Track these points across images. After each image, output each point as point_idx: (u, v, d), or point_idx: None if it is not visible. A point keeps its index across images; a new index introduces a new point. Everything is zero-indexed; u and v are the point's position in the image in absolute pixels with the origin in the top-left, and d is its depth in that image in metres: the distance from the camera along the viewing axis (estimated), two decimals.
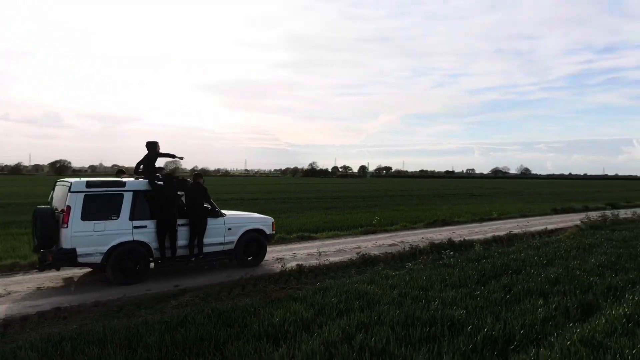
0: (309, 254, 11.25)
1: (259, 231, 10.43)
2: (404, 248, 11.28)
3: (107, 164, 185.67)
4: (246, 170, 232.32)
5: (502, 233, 14.42)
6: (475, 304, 6.54)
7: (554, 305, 6.48)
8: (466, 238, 13.18)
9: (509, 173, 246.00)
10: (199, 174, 10.38)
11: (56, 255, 8.09)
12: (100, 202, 8.43)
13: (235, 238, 9.97)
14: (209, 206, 9.64)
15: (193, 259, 9.48)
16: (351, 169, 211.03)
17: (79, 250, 8.07)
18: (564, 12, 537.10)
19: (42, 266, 8.49)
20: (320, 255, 10.29)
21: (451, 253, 10.37)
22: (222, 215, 9.92)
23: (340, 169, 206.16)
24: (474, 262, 9.48)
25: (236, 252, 10.02)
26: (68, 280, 9.03)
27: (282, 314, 6.03)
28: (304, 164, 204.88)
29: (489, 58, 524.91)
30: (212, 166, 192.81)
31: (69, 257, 8.08)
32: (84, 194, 8.25)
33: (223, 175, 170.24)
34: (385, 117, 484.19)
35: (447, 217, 18.82)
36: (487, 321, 5.81)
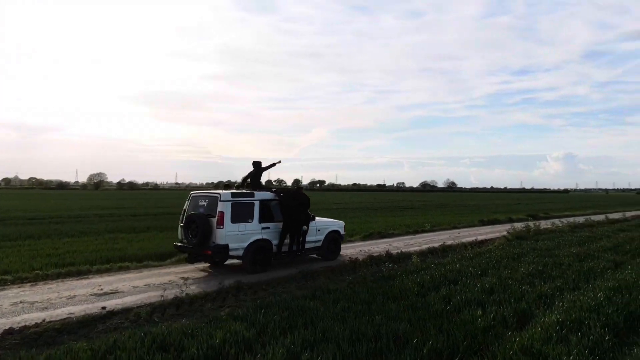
0: None
1: (337, 232, 13.00)
2: (344, 261, 11.24)
3: (24, 176, 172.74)
4: (177, 183, 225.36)
5: (436, 245, 14.79)
6: (418, 316, 6.55)
7: (492, 315, 6.64)
8: (403, 250, 13.37)
9: (436, 186, 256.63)
10: (301, 186, 12.42)
11: (214, 250, 10.10)
12: (241, 209, 10.54)
13: (322, 237, 12.42)
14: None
15: (299, 253, 11.67)
16: (285, 182, 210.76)
17: (231, 246, 10.19)
18: (484, 36, 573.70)
19: (192, 259, 10.94)
20: None
21: (390, 265, 10.45)
22: (314, 219, 12.14)
23: (274, 182, 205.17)
24: (412, 273, 9.59)
25: (322, 248, 12.43)
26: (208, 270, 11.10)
27: (221, 335, 5.69)
28: (237, 177, 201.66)
29: (416, 76, 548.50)
30: (139, 179, 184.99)
31: (224, 251, 10.15)
32: (231, 202, 10.36)
33: (152, 189, 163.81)
34: (318, 131, 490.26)
35: (383, 230, 19.08)
36: (431, 333, 5.81)
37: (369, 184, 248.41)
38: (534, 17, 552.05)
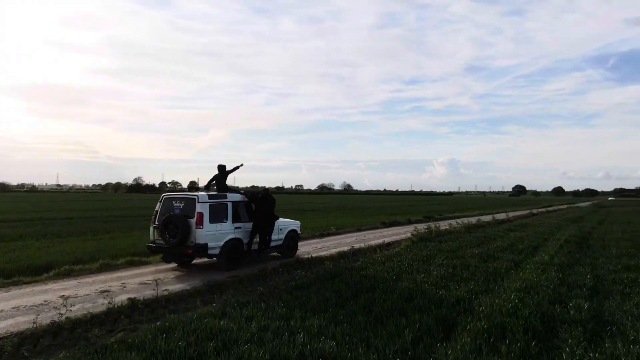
0: (142, 283, 9.63)
1: (294, 231, 13.90)
2: (252, 270, 10.38)
3: None
4: (58, 185, 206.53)
5: (345, 248, 14.49)
6: (342, 332, 5.96)
7: (417, 325, 6.26)
8: (313, 255, 12.88)
9: (333, 189, 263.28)
10: (267, 190, 13.67)
11: (195, 249, 10.53)
12: (217, 210, 11.04)
13: (283, 236, 13.20)
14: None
15: (266, 250, 12.33)
16: (180, 185, 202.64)
17: (209, 245, 10.64)
18: (378, 46, 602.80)
19: (169, 258, 11.56)
20: (158, 284, 8.72)
21: (302, 272, 9.83)
22: (278, 219, 12.75)
23: (168, 184, 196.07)
24: (327, 281, 9.04)
25: (283, 246, 13.23)
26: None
27: None
28: (127, 179, 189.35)
29: (314, 81, 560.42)
30: (13, 180, 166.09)
31: (204, 250, 10.59)
32: (208, 203, 10.84)
33: (29, 191, 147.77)
34: (216, 132, 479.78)
35: None
36: (359, 352, 5.26)
37: (267, 186, 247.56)
38: (423, 31, 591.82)
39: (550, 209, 56.51)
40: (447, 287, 8.61)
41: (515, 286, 8.67)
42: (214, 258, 11.21)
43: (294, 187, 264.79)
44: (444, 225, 20.89)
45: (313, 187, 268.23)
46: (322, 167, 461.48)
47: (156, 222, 11.21)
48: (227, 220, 11.33)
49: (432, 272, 9.88)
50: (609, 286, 9.40)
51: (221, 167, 12.59)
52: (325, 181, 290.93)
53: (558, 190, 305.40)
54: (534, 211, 45.68)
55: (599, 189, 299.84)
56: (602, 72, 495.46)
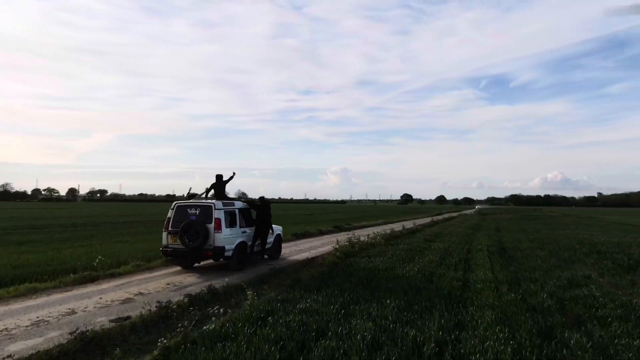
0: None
1: (279, 235, 15.34)
2: (150, 309, 7.49)
3: None
4: None
5: (262, 269, 12.11)
6: None
7: None
8: (227, 280, 10.30)
9: (228, 197, 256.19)
10: (264, 198, 14.62)
11: (214, 251, 11.64)
12: (229, 215, 12.38)
13: (272, 239, 14.50)
14: None
15: (266, 252, 14.12)
16: (57, 192, 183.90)
17: (226, 247, 11.88)
18: (274, 55, 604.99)
19: (189, 260, 12.47)
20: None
21: (220, 310, 7.30)
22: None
23: (43, 192, 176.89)
24: (258, 324, 6.62)
25: (272, 249, 14.55)
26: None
27: None
28: None
29: (208, 86, 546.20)
30: None
31: (221, 252, 11.77)
32: (223, 210, 12.14)
33: None
34: (100, 136, 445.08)
35: None
36: None
37: (157, 194, 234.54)
38: (316, 43, 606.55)
39: (446, 216, 58.80)
40: (412, 324, 6.68)
41: (487, 319, 7.01)
42: (221, 260, 12.10)
43: (186, 195, 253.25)
44: (361, 236, 19.35)
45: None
46: (215, 175, 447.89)
47: (170, 228, 12.01)
48: (236, 225, 12.57)
49: (385, 302, 7.91)
50: (573, 308, 8.25)
51: (219, 177, 13.55)
52: None
53: (441, 199, 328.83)
54: (435, 219, 46.76)
55: (475, 198, 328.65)
56: (476, 92, 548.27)
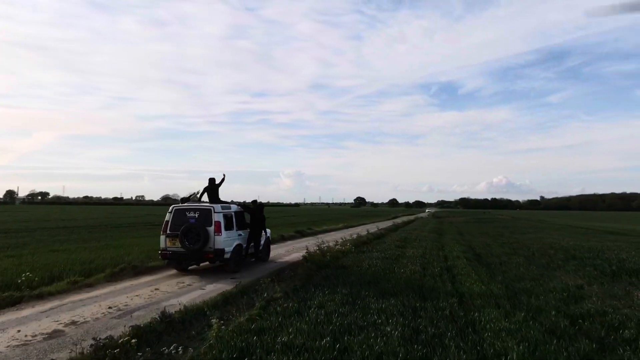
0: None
1: (268, 238, 16.06)
2: (83, 350, 5.64)
3: None
4: None
5: (227, 286, 10.39)
6: None
7: None
8: (182, 300, 8.54)
9: (178, 200, 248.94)
10: (256, 201, 15.24)
11: (215, 253, 11.96)
12: (227, 218, 12.62)
13: (263, 241, 15.07)
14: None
15: (259, 255, 14.62)
16: None
17: (225, 249, 12.23)
18: (227, 56, 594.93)
19: (187, 263, 12.77)
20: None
21: (178, 349, 5.58)
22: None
23: None
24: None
25: (262, 251, 15.07)
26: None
27: None
28: None
29: (159, 86, 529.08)
30: None
31: (222, 254, 12.12)
32: (222, 213, 12.41)
33: None
34: (42, 135, 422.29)
35: (138, 262, 13.48)
36: None
37: (103, 196, 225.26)
38: (270, 45, 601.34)
39: (405, 219, 58.45)
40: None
41: (515, 353, 5.66)
42: (217, 262, 12.66)
43: (134, 198, 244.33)
44: (326, 242, 17.89)
45: (156, 197, 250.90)
46: (166, 177, 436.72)
47: (168, 231, 12.14)
48: (233, 228, 12.85)
49: (387, 329, 6.45)
50: (592, 329, 7.14)
51: (211, 180, 13.70)
52: (170, 192, 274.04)
53: (393, 202, 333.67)
54: (395, 222, 46.10)
55: (425, 201, 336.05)
56: (426, 98, 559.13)
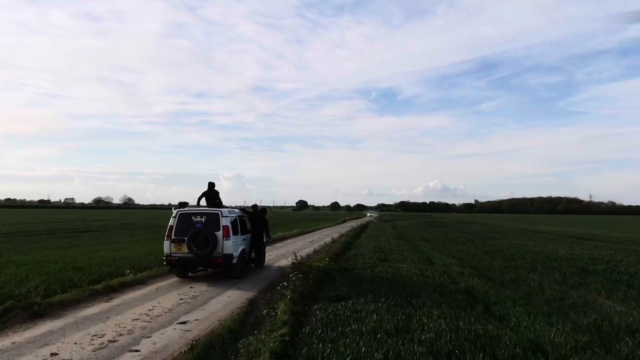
0: None
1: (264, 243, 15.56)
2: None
3: None
4: None
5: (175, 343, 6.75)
6: None
7: None
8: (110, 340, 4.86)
9: (112, 203, 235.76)
10: (255, 205, 15.30)
11: (224, 258, 11.65)
12: (233, 223, 12.31)
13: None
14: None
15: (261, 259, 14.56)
16: None
17: (234, 254, 11.95)
18: (165, 55, 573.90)
19: (194, 268, 12.42)
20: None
21: None
22: None
23: None
24: None
25: (260, 256, 14.69)
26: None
27: None
28: None
29: (91, 84, 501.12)
30: None
31: (230, 259, 11.81)
32: (229, 217, 12.09)
33: None
34: None
35: (43, 289, 9.28)
36: None
37: (28, 199, 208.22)
38: (211, 46, 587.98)
39: (356, 223, 55.82)
40: None
41: None
42: (219, 268, 12.37)
43: (63, 201, 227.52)
44: (299, 257, 14.52)
45: (87, 200, 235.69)
46: (98, 179, 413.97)
47: (173, 237, 11.76)
48: (238, 233, 12.54)
49: None
50: None
51: (211, 184, 13.51)
52: (103, 194, 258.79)
53: (335, 205, 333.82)
54: (353, 225, 43.26)
55: (366, 204, 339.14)
56: (366, 103, 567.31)
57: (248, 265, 13.60)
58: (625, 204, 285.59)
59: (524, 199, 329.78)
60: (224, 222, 11.79)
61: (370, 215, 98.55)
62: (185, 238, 11.58)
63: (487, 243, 24.95)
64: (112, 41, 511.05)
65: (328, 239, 23.84)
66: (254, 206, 15.07)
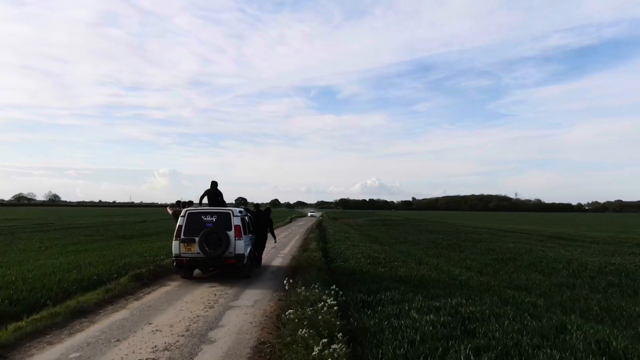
0: None
1: None
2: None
3: None
4: None
5: None
6: None
7: None
8: None
9: (35, 200, 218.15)
10: (258, 205, 15.29)
11: (236, 258, 11.37)
12: (243, 222, 12.06)
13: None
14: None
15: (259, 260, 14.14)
16: None
17: (245, 254, 11.63)
18: (97, 45, 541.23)
19: (206, 268, 12.05)
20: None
21: None
22: None
23: None
24: None
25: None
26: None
27: None
28: None
29: (15, 72, 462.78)
30: None
31: (242, 259, 11.50)
32: (240, 217, 11.85)
33: None
34: None
35: None
36: None
37: None
38: (146, 37, 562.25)
39: (309, 222, 51.50)
40: None
41: None
42: (225, 269, 11.88)
43: None
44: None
45: (7, 197, 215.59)
46: (20, 174, 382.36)
47: (182, 237, 11.38)
48: (246, 232, 12.20)
49: None
50: None
51: (214, 183, 13.24)
52: (25, 190, 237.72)
53: (275, 202, 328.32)
54: (307, 225, 38.99)
55: (306, 201, 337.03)
56: (306, 100, 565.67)
57: (252, 266, 13.07)
58: (549, 201, 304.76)
59: (458, 197, 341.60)
60: (236, 221, 11.57)
61: (311, 215, 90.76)
62: (196, 238, 11.27)
63: (483, 247, 21.46)
64: (38, 28, 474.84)
65: (294, 243, 19.55)
66: (257, 205, 15.13)
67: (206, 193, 13.08)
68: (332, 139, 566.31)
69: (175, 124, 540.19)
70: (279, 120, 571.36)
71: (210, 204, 12.92)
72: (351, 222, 62.10)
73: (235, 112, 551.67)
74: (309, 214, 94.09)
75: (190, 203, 13.88)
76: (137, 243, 20.51)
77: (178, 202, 14.68)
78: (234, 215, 11.57)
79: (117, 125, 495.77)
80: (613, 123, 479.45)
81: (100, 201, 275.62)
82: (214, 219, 11.55)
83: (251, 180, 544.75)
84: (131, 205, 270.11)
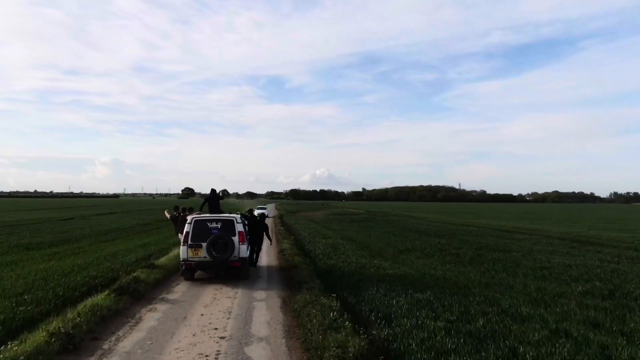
0: None
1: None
2: None
3: None
4: None
5: None
6: None
7: None
8: None
9: None
10: (252, 210, 16.88)
11: (241, 262, 12.31)
12: (244, 228, 12.91)
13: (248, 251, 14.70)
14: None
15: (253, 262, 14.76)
16: None
17: (247, 257, 12.76)
18: (32, 26, 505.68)
19: (214, 271, 12.65)
20: None
21: None
22: None
23: None
24: None
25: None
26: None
27: None
28: None
29: None
30: None
31: (246, 262, 12.64)
32: (242, 223, 12.79)
33: None
34: None
35: None
36: None
37: None
38: (85, 19, 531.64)
39: (268, 218, 47.49)
40: None
41: None
42: (230, 271, 12.59)
43: None
44: None
45: None
46: None
47: (189, 242, 12.20)
48: (247, 236, 13.14)
49: None
50: None
51: (213, 191, 14.31)
52: None
53: (224, 192, 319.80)
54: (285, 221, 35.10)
55: (255, 191, 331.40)
56: (255, 89, 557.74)
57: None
58: (492, 192, 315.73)
59: (407, 187, 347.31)
60: (239, 227, 12.43)
61: (261, 212, 79.79)
62: (203, 243, 12.07)
63: (528, 263, 16.37)
64: None
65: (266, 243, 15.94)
66: (250, 210, 16.15)
67: (207, 200, 14.21)
68: (281, 129, 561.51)
69: (118, 111, 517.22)
70: (227, 109, 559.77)
71: (211, 211, 13.84)
72: (311, 215, 58.79)
73: (182, 100, 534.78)
74: (257, 212, 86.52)
75: (190, 210, 14.86)
76: (39, 259, 15.92)
77: (176, 207, 15.77)
78: (237, 222, 12.57)
79: (55, 111, 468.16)
80: (548, 118, 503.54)
81: (35, 191, 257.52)
82: (219, 226, 12.47)
83: (198, 169, 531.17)
84: (70, 195, 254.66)
